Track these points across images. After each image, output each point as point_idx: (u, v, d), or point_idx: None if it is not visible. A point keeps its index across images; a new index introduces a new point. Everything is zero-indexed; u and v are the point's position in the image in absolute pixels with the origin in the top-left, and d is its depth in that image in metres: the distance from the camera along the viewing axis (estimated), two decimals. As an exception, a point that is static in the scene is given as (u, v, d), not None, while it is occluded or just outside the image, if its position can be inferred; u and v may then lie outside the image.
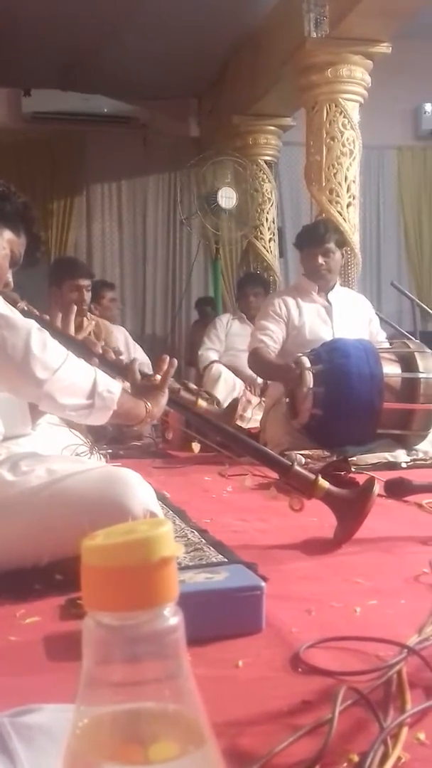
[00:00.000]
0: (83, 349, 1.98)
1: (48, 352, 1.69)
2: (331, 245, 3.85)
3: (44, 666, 1.22)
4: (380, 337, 4.05)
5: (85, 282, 4.31)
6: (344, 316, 3.90)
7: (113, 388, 1.78)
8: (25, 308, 1.94)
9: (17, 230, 1.86)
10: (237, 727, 0.97)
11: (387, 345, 3.92)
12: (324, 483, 2.01)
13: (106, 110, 7.13)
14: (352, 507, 1.97)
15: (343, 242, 4.10)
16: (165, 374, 2.00)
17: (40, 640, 1.32)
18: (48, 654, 1.27)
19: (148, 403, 1.91)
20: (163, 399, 1.98)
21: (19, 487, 1.64)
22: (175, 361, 2.04)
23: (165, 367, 2.00)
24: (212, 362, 5.17)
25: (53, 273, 4.49)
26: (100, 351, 2.04)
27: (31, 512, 1.63)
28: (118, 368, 2.06)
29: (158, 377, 2.00)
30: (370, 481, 2.01)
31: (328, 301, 3.92)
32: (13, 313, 1.76)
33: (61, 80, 6.67)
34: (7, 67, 6.19)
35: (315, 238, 3.86)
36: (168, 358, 2.03)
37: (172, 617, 0.47)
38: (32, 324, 1.72)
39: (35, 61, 6.09)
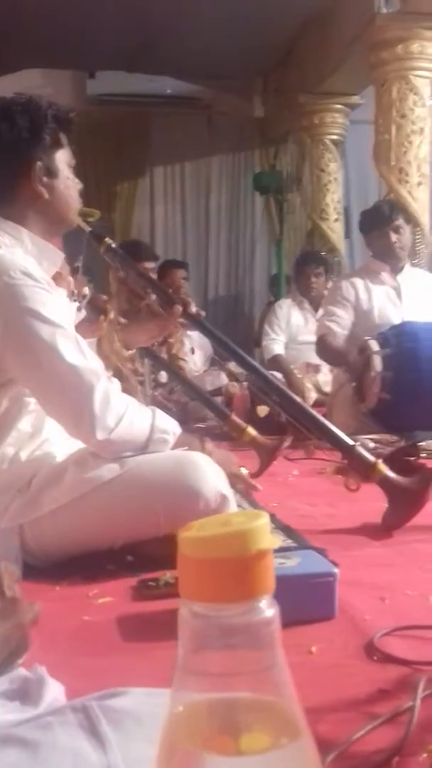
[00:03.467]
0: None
1: (110, 410, 1.62)
2: (401, 221, 3.78)
3: (120, 647, 1.24)
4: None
5: (150, 264, 4.34)
6: (414, 297, 3.81)
7: (170, 428, 1.74)
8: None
9: (61, 143, 1.75)
10: (313, 714, 0.95)
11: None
12: (383, 468, 1.97)
13: (169, 91, 7.11)
14: (408, 495, 1.94)
15: (409, 219, 4.02)
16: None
17: (113, 621, 1.34)
18: (122, 635, 1.29)
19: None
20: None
21: (93, 483, 1.65)
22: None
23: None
24: (276, 355, 4.93)
25: (118, 256, 4.52)
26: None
27: (107, 503, 1.65)
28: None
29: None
30: (430, 472, 1.98)
31: (397, 282, 3.85)
32: (86, 360, 1.65)
33: (126, 62, 6.67)
34: (72, 50, 6.22)
35: (383, 217, 3.80)
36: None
37: (267, 609, 0.46)
38: (99, 374, 1.65)
39: (100, 43, 6.10)
